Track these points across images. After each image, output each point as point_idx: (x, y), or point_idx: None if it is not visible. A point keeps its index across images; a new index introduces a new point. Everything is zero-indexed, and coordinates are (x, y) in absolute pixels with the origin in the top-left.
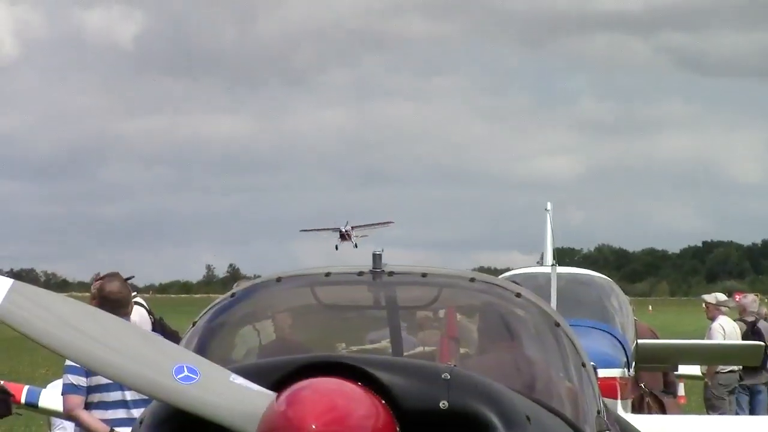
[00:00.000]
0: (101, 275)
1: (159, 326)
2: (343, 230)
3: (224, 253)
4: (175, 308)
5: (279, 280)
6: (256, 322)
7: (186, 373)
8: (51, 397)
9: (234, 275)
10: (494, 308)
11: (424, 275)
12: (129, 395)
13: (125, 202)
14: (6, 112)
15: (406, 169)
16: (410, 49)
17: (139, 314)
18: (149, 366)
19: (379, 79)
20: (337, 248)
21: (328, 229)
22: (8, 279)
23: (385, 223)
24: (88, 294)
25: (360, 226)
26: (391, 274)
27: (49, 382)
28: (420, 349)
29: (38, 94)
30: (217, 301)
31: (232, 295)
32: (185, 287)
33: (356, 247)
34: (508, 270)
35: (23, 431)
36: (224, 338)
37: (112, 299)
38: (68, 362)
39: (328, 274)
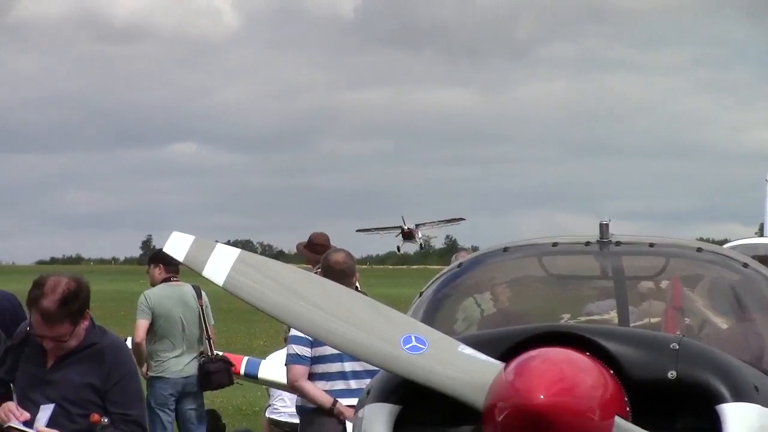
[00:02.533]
0: (305, 242)
1: None
2: (406, 228)
3: (441, 225)
4: (394, 280)
5: (506, 249)
6: (483, 292)
7: (414, 343)
8: (270, 368)
9: (450, 247)
10: (722, 278)
11: (651, 245)
12: (350, 366)
13: (343, 174)
14: (227, 86)
15: (626, 141)
16: (633, 20)
17: None
18: (377, 335)
19: (600, 52)
20: (399, 250)
21: (389, 228)
22: (235, 249)
23: (455, 219)
24: (304, 266)
25: (426, 224)
26: (618, 243)
27: (268, 354)
28: (646, 320)
29: (258, 66)
30: (444, 270)
31: (459, 265)
32: (402, 259)
33: (422, 248)
34: (726, 241)
35: (241, 402)
36: (451, 307)
37: (337, 270)
38: (293, 333)
39: (555, 244)
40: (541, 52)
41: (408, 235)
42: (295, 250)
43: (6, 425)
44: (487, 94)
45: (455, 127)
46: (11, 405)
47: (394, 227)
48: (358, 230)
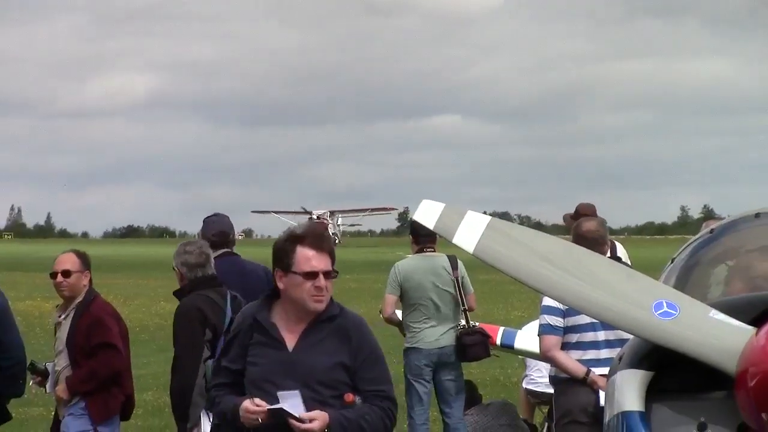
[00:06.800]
0: (572, 213)
1: None
2: (315, 216)
3: (700, 195)
4: (650, 249)
5: (758, 216)
6: (732, 258)
7: (665, 308)
8: (526, 338)
9: (707, 216)
10: None
11: None
12: (603, 335)
13: (602, 146)
14: (488, 58)
15: None
16: None
17: None
18: (628, 301)
19: None
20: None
21: (287, 212)
22: (486, 216)
23: (386, 209)
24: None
25: (348, 212)
26: None
27: (524, 324)
28: None
29: (519, 39)
30: (695, 237)
31: (711, 231)
32: (660, 229)
33: (338, 242)
34: None
35: (498, 373)
36: (702, 274)
37: (588, 238)
38: (545, 303)
39: None
40: None
41: None
42: (560, 221)
43: (270, 407)
44: (749, 65)
45: (715, 97)
46: (256, 400)
47: (296, 212)
48: (253, 211)
